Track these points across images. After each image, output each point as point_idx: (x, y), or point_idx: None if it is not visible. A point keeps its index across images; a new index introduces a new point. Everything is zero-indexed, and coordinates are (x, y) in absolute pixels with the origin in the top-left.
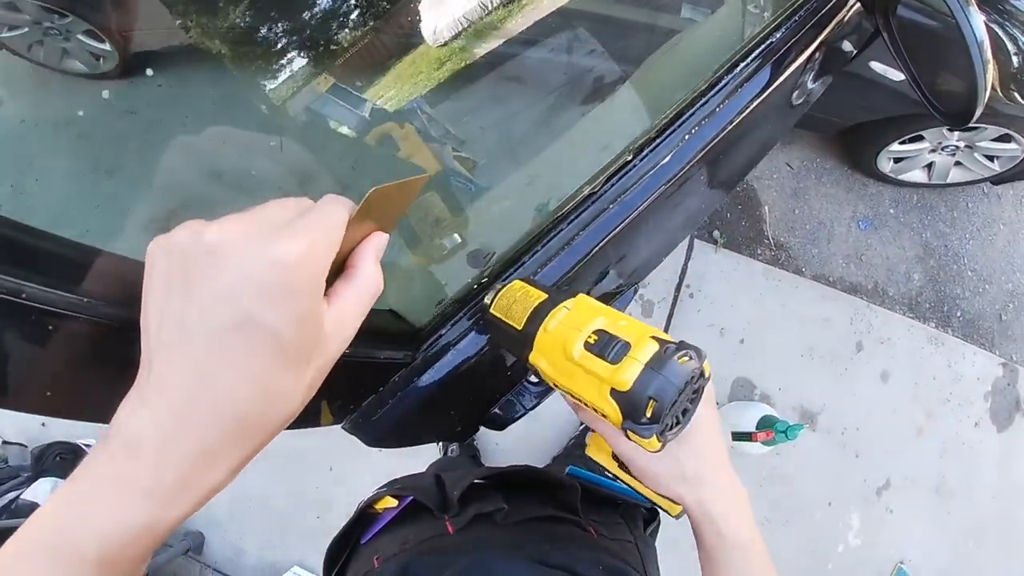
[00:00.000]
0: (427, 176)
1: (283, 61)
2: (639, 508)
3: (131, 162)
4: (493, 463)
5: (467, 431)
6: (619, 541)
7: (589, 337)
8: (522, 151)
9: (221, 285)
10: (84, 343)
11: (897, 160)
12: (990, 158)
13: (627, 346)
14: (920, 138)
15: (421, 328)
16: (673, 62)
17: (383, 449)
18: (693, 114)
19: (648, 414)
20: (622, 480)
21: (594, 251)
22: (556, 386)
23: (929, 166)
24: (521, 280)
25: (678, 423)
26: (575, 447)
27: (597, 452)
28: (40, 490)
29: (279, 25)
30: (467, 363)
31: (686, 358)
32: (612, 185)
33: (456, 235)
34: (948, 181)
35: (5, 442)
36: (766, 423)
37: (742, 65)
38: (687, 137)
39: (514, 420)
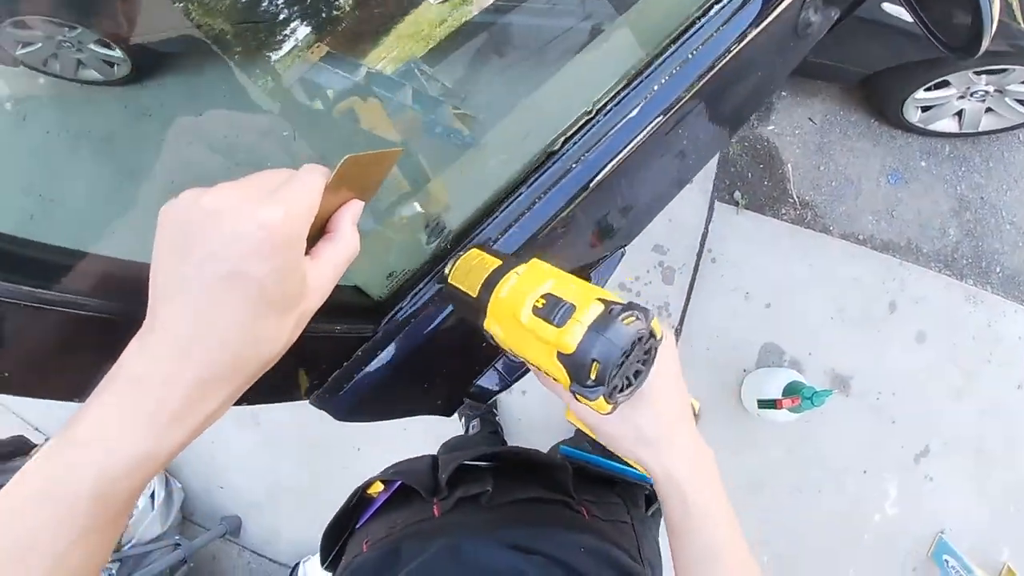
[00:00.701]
0: (400, 151)
1: (287, 31)
2: (640, 487)
3: (151, 162)
4: (516, 439)
5: (449, 405)
6: (613, 522)
7: (537, 301)
8: (508, 105)
9: (215, 243)
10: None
11: (925, 109)
12: (1022, 102)
13: (572, 308)
14: (946, 84)
15: (382, 301)
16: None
17: (407, 428)
18: (670, 57)
19: (593, 376)
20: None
21: (558, 217)
22: (510, 351)
23: (959, 114)
24: (478, 248)
25: (629, 384)
26: None
27: (573, 416)
28: None
29: None
30: (433, 334)
31: (632, 319)
32: (574, 143)
33: (416, 205)
34: (980, 129)
35: (49, 439)
36: (792, 389)
37: None
38: (660, 85)
39: (498, 392)
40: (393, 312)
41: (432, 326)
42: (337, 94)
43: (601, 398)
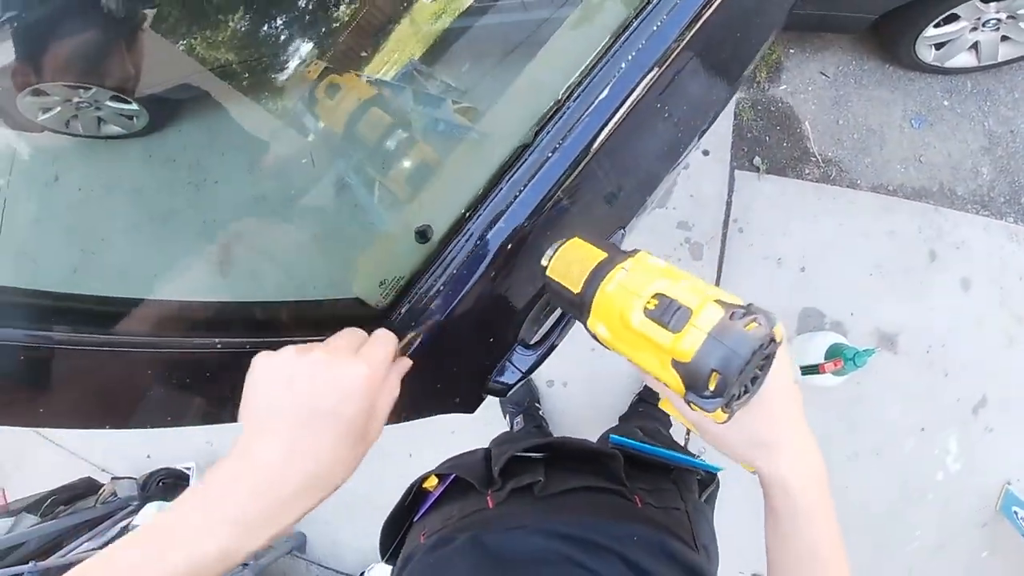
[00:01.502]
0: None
1: (289, 53)
2: (692, 472)
3: (180, 205)
4: (561, 432)
5: (468, 403)
6: (666, 509)
7: (648, 302)
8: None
9: (316, 388)
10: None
11: (938, 46)
12: None
13: (688, 312)
14: (955, 17)
15: (381, 309)
16: None
17: (455, 431)
18: (637, 30)
19: (711, 387)
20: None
21: (544, 206)
22: (618, 353)
23: (975, 46)
24: (580, 238)
25: (746, 391)
26: (639, 403)
27: (669, 406)
28: (147, 514)
29: (278, 19)
30: (430, 338)
31: (754, 324)
32: (547, 133)
33: (404, 209)
34: (1000, 59)
35: (114, 478)
36: (834, 352)
37: None
38: (627, 63)
39: (515, 385)
40: (393, 319)
41: (434, 330)
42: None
43: (718, 409)
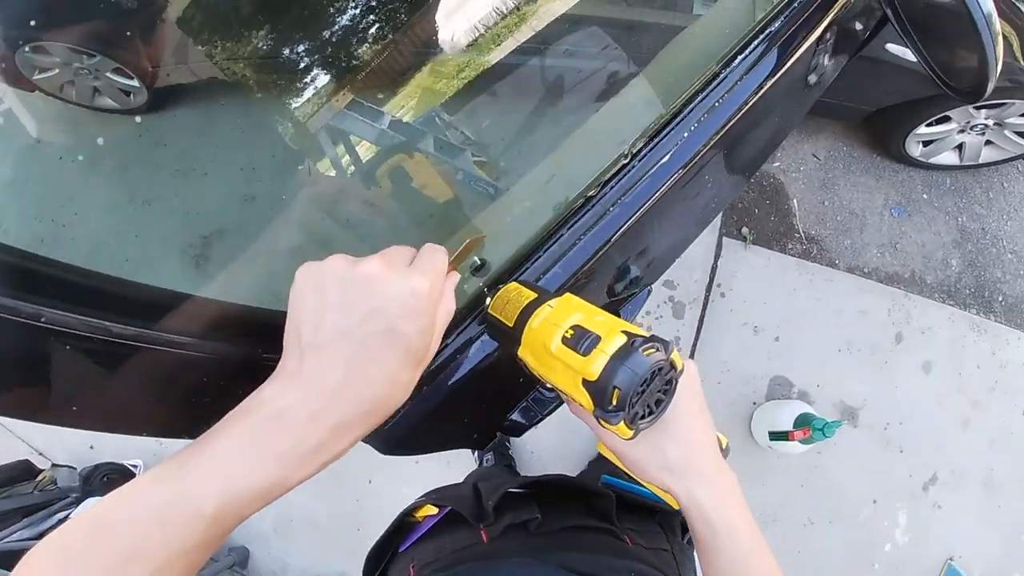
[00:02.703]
0: (483, 236)
1: (306, 80)
2: (676, 514)
3: (166, 192)
4: (528, 471)
5: (484, 438)
6: (655, 550)
7: (566, 332)
8: (540, 150)
9: (375, 303)
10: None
11: (926, 143)
12: (1021, 134)
13: (597, 339)
14: (947, 119)
15: None
16: (683, 53)
17: (419, 461)
18: (698, 105)
19: (614, 402)
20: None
21: (597, 256)
22: (541, 378)
23: (959, 147)
24: (517, 282)
25: (651, 412)
26: None
27: (602, 447)
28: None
29: (301, 46)
30: (474, 370)
31: (652, 350)
32: (611, 187)
33: (475, 258)
34: (980, 161)
35: (55, 465)
36: (803, 421)
37: (748, 50)
38: (689, 132)
39: (531, 426)
40: (440, 347)
41: (477, 362)
42: (378, 146)
43: (622, 423)
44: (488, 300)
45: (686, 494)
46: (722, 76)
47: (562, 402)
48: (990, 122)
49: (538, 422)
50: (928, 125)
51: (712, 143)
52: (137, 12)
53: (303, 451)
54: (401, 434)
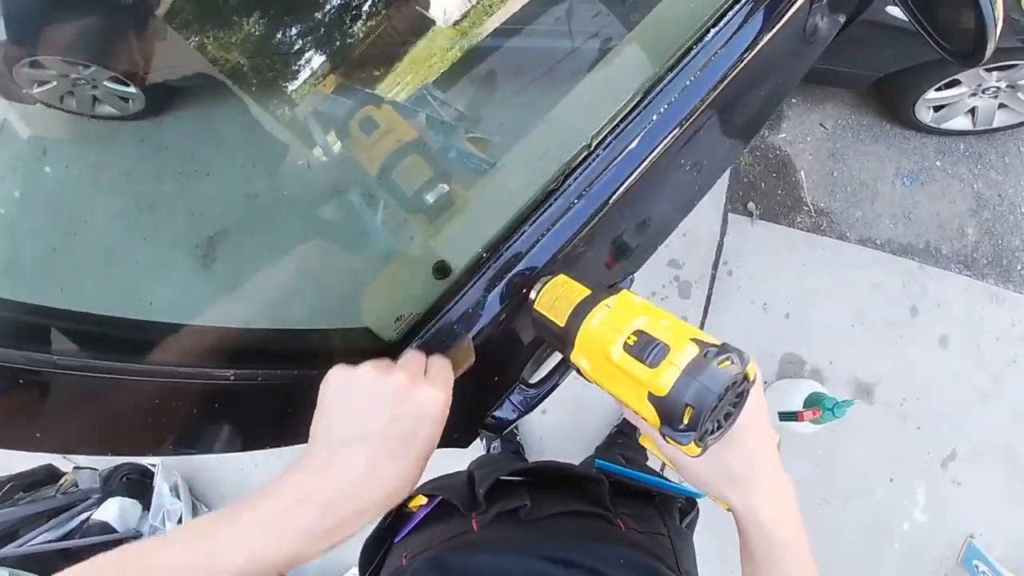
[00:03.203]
0: (472, 349)
1: (301, 62)
2: (674, 499)
3: (170, 194)
4: (538, 457)
5: (464, 438)
6: (650, 534)
7: (629, 338)
8: (532, 123)
9: (400, 410)
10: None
11: (937, 108)
12: None
13: (666, 349)
14: (957, 83)
15: (393, 343)
16: (674, 10)
17: None
18: (691, 62)
19: (685, 421)
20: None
21: (591, 224)
22: (597, 385)
23: (972, 111)
24: (565, 275)
25: (720, 427)
26: (617, 435)
27: (648, 442)
28: (109, 510)
29: (293, 28)
30: None
31: (727, 362)
32: (582, 172)
33: (423, 244)
34: (994, 125)
35: (76, 467)
36: (814, 401)
37: (736, 10)
38: (680, 92)
39: (512, 423)
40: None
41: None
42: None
43: (692, 443)
44: (534, 295)
45: (744, 505)
46: (709, 36)
47: (547, 395)
48: (1002, 84)
49: (521, 416)
50: (938, 90)
51: (708, 102)
52: (124, 18)
53: (320, 532)
54: None
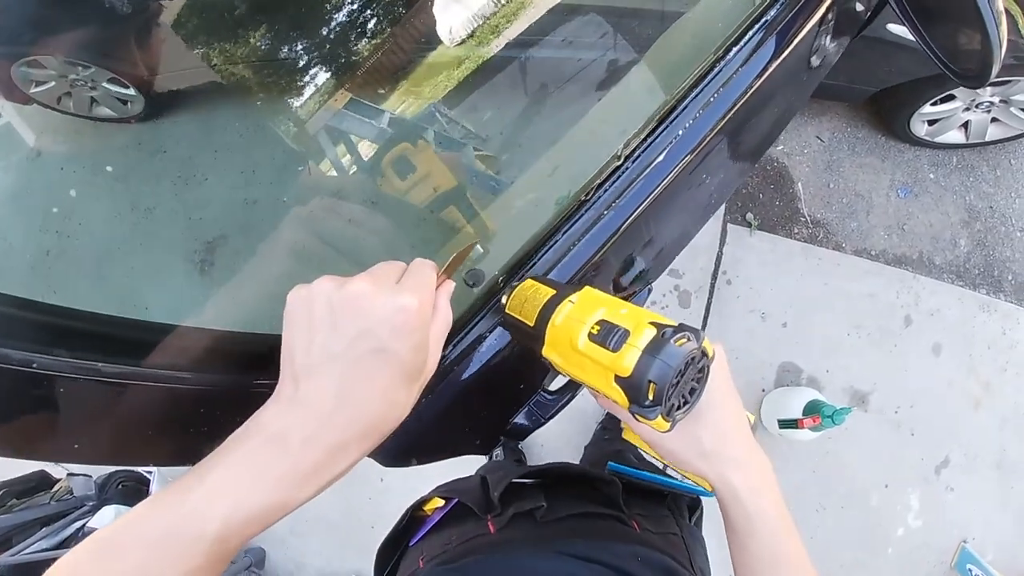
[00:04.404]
0: (475, 243)
1: (306, 79)
2: (684, 497)
3: (168, 198)
4: (537, 462)
5: (487, 444)
6: (663, 535)
7: (592, 328)
8: (542, 142)
9: (363, 324)
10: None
11: (931, 122)
12: None
13: (626, 333)
14: (952, 97)
15: None
16: (684, 38)
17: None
18: (702, 91)
19: (650, 396)
20: (654, 458)
21: (605, 248)
22: (569, 376)
23: (965, 125)
24: (532, 279)
25: (686, 403)
26: (603, 432)
27: (631, 435)
28: (104, 518)
29: (299, 43)
30: (474, 377)
31: (684, 340)
32: (615, 180)
33: (477, 246)
34: (987, 139)
35: (70, 474)
36: (813, 408)
37: (749, 34)
38: (693, 120)
39: (534, 429)
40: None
41: (476, 371)
42: (378, 144)
43: (660, 417)
44: (504, 300)
45: (719, 478)
46: (724, 61)
47: (567, 403)
48: (996, 99)
49: (542, 425)
50: (933, 104)
51: (717, 129)
52: (128, 20)
53: (301, 474)
54: (402, 445)
